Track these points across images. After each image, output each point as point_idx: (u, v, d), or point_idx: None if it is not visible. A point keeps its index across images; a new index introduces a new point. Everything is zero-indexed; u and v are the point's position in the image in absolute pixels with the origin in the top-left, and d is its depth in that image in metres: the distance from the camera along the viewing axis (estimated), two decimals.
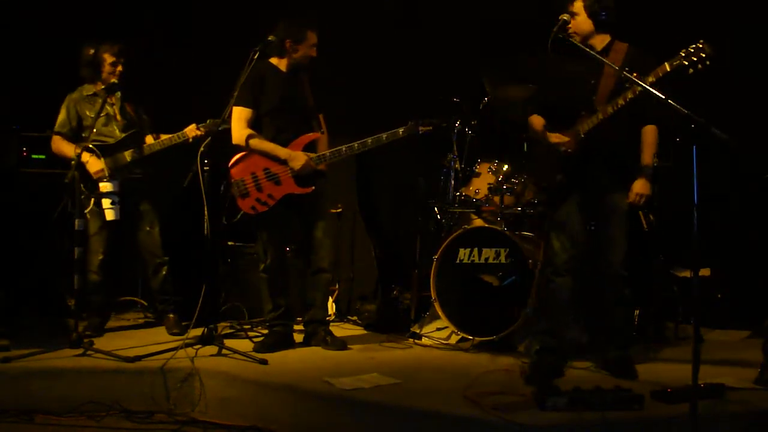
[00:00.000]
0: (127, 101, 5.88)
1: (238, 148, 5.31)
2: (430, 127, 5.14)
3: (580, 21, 4.47)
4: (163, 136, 5.82)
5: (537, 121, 4.74)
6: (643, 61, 4.26)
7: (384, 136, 5.18)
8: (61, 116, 5.76)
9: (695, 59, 3.98)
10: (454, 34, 7.09)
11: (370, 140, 5.20)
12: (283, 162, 5.23)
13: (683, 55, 4.02)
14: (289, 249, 5.72)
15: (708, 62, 3.97)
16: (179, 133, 5.74)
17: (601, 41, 4.53)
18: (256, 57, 5.02)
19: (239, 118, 5.25)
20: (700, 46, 3.99)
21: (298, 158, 5.20)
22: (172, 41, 7.11)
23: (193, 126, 5.69)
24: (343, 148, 5.24)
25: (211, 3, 7.33)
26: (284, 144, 5.26)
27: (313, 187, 5.27)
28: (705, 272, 6.16)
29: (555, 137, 4.55)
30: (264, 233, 5.33)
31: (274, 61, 5.35)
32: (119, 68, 5.68)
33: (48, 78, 6.73)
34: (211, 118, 5.58)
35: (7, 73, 6.75)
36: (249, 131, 5.25)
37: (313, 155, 5.25)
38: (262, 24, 5.23)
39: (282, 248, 5.41)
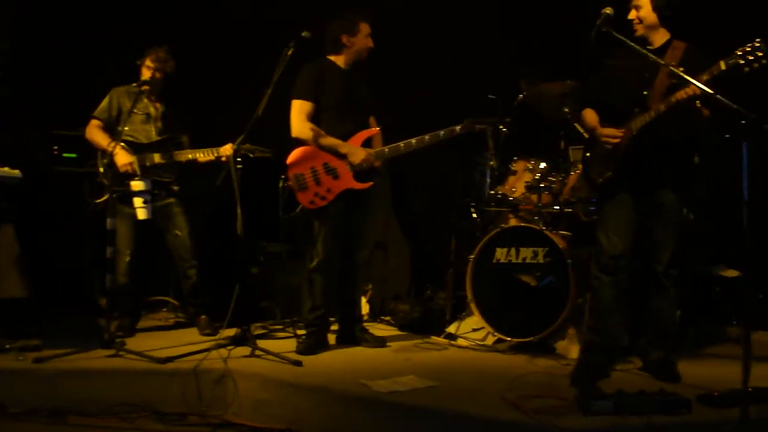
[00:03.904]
0: (168, 108, 5.87)
1: (297, 142, 5.27)
2: (487, 125, 5.17)
3: (645, 13, 4.46)
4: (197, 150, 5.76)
5: (590, 115, 4.67)
6: (701, 61, 4.15)
7: (441, 133, 5.20)
8: (103, 103, 5.75)
9: (751, 58, 3.92)
10: (490, 29, 7.02)
11: (427, 137, 5.21)
12: (343, 156, 5.20)
13: (740, 53, 3.95)
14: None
15: (764, 61, 3.90)
16: (213, 149, 5.64)
17: (661, 37, 4.49)
18: (290, 53, 4.99)
19: (300, 111, 5.22)
20: (757, 44, 3.92)
21: (358, 153, 5.19)
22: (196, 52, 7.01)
23: (229, 146, 5.49)
24: (402, 144, 5.25)
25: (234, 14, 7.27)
26: (343, 139, 5.23)
27: (372, 183, 5.25)
28: (732, 273, 5.99)
29: (607, 132, 4.48)
30: (320, 230, 5.25)
31: (332, 58, 5.34)
32: (156, 73, 5.69)
33: (79, 76, 6.71)
34: (236, 134, 5.28)
35: (38, 70, 6.74)
36: (310, 125, 5.20)
37: (372, 150, 5.25)
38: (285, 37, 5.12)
39: (335, 248, 5.28)
